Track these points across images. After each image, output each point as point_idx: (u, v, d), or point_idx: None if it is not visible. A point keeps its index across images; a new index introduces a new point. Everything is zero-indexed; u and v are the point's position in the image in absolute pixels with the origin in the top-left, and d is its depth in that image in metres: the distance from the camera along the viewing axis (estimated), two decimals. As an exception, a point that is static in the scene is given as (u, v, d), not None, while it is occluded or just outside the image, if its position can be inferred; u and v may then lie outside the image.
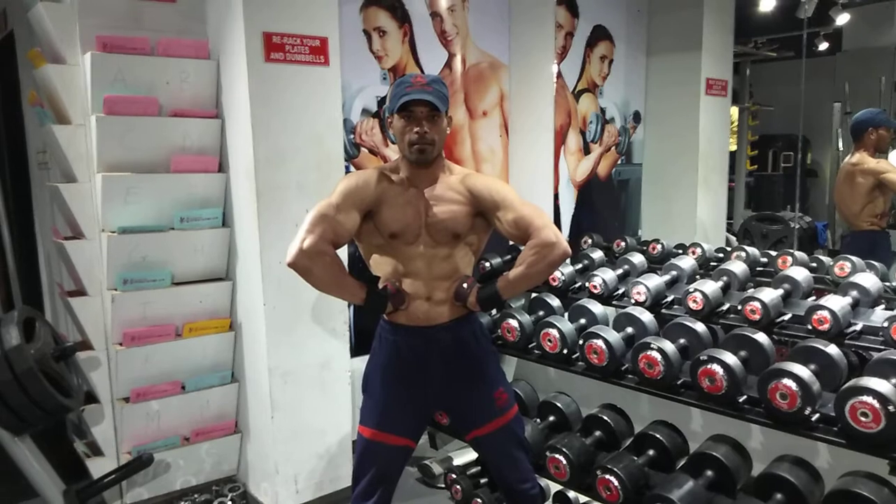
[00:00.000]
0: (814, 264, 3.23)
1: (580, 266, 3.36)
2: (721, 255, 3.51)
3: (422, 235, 1.97)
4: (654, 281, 2.88)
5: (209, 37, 2.84)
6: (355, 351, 3.04)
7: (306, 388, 2.87)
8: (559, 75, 4.35)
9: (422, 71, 3.61)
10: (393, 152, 3.55)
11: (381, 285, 1.99)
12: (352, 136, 3.37)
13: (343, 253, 2.93)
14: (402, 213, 1.95)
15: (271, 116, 2.66)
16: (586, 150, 4.65)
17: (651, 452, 2.41)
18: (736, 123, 6.97)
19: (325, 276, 1.90)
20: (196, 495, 2.92)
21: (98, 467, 2.77)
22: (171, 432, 2.87)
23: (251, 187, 2.67)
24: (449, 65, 3.74)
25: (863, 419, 1.89)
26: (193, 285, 2.86)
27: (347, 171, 3.17)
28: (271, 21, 2.62)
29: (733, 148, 6.50)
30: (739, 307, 2.60)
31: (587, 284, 3.07)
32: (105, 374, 2.78)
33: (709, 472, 2.22)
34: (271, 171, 2.68)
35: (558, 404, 2.75)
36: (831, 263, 3.10)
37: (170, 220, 2.76)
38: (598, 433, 2.57)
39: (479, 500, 2.74)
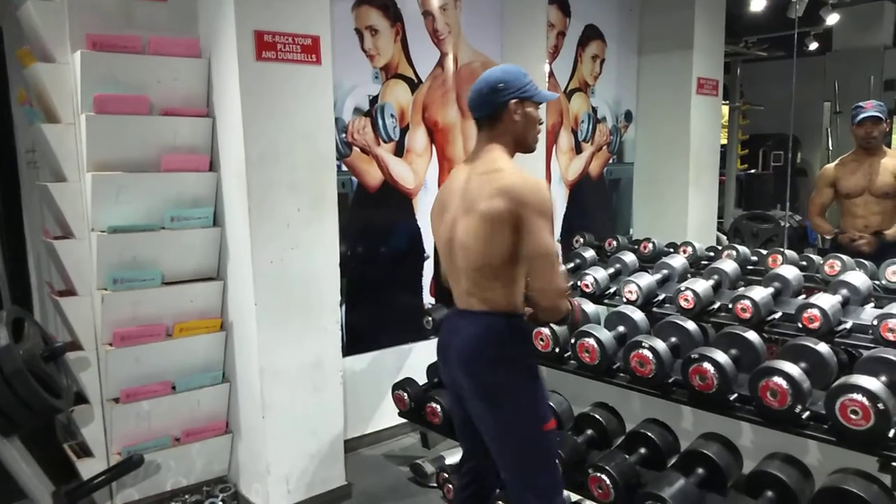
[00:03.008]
0: (804, 263, 3.24)
1: (572, 265, 3.36)
2: (712, 253, 3.52)
3: None
4: (646, 280, 2.89)
5: (200, 35, 2.83)
6: (347, 350, 3.04)
7: (298, 387, 2.86)
8: (551, 74, 4.36)
9: (413, 70, 3.61)
10: (384, 151, 3.54)
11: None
12: (343, 135, 3.37)
13: (337, 248, 2.93)
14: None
15: (263, 115, 2.65)
16: (578, 150, 4.66)
17: (643, 451, 2.42)
18: (726, 118, 6.98)
19: None
20: (187, 496, 2.91)
21: (88, 468, 2.75)
22: (161, 433, 2.86)
23: (242, 186, 2.66)
24: (441, 64, 3.74)
25: (853, 417, 1.90)
26: (184, 285, 2.85)
27: (339, 170, 3.16)
28: (263, 20, 2.61)
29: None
30: (730, 306, 2.61)
31: (579, 283, 3.08)
32: (95, 375, 2.76)
33: (700, 470, 2.22)
34: (262, 170, 2.67)
35: (550, 403, 2.74)
36: (821, 262, 3.11)
37: (160, 219, 2.75)
38: (589, 431, 2.57)
39: (471, 499, 2.74)
